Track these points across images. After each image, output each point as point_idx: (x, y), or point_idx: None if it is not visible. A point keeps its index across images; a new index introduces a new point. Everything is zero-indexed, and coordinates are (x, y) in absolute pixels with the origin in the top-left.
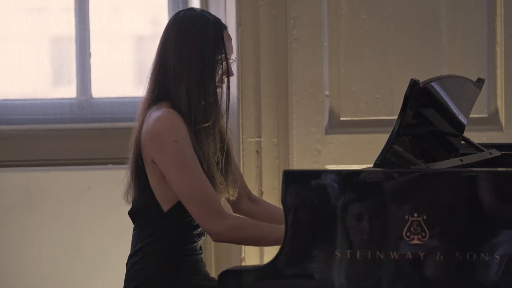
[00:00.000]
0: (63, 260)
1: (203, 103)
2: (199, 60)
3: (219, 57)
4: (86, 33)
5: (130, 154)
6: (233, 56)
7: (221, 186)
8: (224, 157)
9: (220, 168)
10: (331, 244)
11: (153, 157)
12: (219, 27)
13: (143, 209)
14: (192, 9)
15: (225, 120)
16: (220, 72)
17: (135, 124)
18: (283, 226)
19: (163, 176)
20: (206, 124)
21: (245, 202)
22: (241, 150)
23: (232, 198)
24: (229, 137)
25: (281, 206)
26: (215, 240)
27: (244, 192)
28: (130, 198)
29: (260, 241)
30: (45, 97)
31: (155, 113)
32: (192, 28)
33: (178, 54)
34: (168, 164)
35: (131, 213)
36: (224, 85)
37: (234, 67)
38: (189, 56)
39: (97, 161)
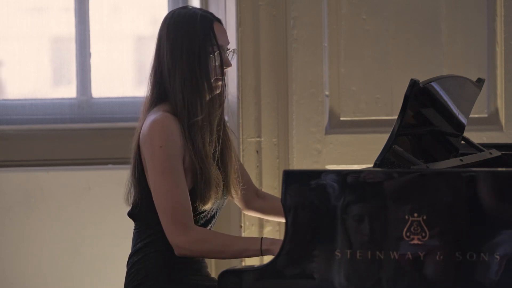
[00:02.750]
0: (63, 260)
1: (198, 97)
2: (190, 55)
3: (211, 49)
4: (86, 33)
5: (132, 155)
6: (232, 47)
7: (217, 180)
8: (220, 148)
9: (216, 159)
10: (331, 244)
11: (145, 160)
12: (208, 19)
13: (143, 211)
14: (183, 7)
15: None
16: (215, 64)
17: (137, 125)
18: (246, 238)
19: None
20: (199, 117)
21: (255, 200)
22: (241, 150)
23: (235, 198)
24: (229, 132)
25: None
26: (178, 254)
27: (252, 190)
28: (131, 201)
29: (220, 254)
30: (45, 97)
31: (151, 117)
32: (180, 25)
33: (170, 53)
34: (151, 168)
35: (130, 214)
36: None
37: (234, 63)
38: (180, 53)
39: (97, 161)
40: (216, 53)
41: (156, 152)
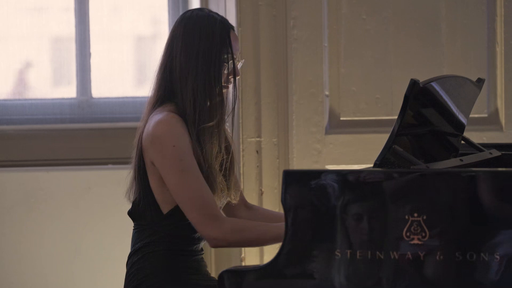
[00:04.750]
0: (63, 260)
1: (208, 102)
2: (206, 59)
3: (225, 57)
4: (86, 33)
5: (134, 153)
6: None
7: (221, 186)
8: (229, 157)
9: (223, 168)
10: (331, 244)
11: (152, 160)
12: (226, 27)
13: (143, 210)
14: (200, 9)
15: (231, 120)
16: (226, 72)
17: (140, 124)
18: (281, 224)
19: (162, 178)
20: (210, 124)
21: (243, 210)
22: (241, 150)
23: (234, 201)
24: (229, 138)
25: (281, 206)
26: (213, 246)
27: (241, 201)
28: (132, 197)
29: (258, 241)
30: (45, 97)
31: (156, 117)
32: (198, 28)
33: (184, 53)
34: (166, 169)
35: (130, 213)
36: (231, 85)
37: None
38: (195, 55)
39: (97, 161)
40: (230, 62)
41: (170, 152)
